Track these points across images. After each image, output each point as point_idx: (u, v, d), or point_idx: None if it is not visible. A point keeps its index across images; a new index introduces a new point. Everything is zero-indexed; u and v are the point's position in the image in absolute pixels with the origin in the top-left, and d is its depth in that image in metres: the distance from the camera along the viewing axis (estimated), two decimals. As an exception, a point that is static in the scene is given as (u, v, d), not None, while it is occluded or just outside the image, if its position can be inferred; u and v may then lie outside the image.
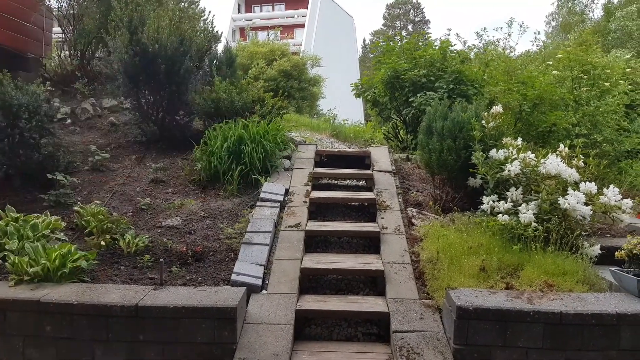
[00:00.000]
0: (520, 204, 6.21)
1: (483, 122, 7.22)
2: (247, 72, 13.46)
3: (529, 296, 5.02)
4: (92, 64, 12.16)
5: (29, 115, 7.80)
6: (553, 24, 36.67)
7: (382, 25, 71.83)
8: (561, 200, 6.00)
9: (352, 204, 7.89)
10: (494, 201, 6.53)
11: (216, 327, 4.85)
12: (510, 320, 4.74)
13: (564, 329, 4.73)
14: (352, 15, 52.26)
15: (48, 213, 6.67)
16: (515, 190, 6.40)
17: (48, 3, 11.96)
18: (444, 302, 5.23)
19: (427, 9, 79.28)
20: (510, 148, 6.86)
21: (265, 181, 7.99)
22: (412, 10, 71.84)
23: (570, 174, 6.41)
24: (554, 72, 10.83)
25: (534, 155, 6.77)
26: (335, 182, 8.74)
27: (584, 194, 6.14)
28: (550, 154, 6.83)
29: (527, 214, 6.01)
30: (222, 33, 11.41)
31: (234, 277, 5.74)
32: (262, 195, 7.61)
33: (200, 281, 5.75)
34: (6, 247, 5.76)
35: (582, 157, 6.81)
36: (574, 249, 5.85)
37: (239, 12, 47.82)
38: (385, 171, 8.63)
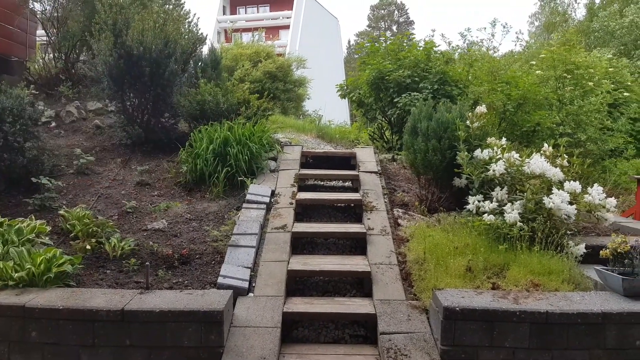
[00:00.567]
0: (506, 204, 6.24)
1: (467, 122, 7.26)
2: (233, 74, 13.43)
3: (515, 296, 5.05)
4: (77, 66, 12.10)
5: (13, 118, 7.73)
6: (536, 23, 36.96)
7: (367, 26, 71.99)
8: (546, 199, 6.04)
9: (339, 205, 7.90)
10: (479, 201, 6.56)
11: (203, 331, 4.83)
12: (496, 320, 4.76)
13: (550, 328, 4.76)
14: (337, 17, 52.45)
15: (33, 217, 6.60)
16: (500, 190, 6.44)
17: (32, 6, 11.89)
18: (431, 303, 5.24)
19: (411, 9, 79.89)
20: (495, 148, 6.89)
21: (251, 183, 7.98)
22: (396, 11, 72.01)
23: (555, 173, 6.44)
24: (537, 71, 10.93)
25: (518, 155, 6.81)
26: (322, 183, 8.75)
27: (568, 193, 6.18)
28: (534, 153, 6.87)
29: (512, 213, 6.04)
30: (207, 35, 11.39)
31: (220, 280, 5.72)
32: (248, 197, 7.59)
33: (186, 284, 5.72)
34: (-10, 252, 5.70)
35: (566, 157, 6.85)
36: (559, 248, 5.89)
37: (224, 13, 47.81)
38: (371, 172, 8.64)
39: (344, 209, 7.89)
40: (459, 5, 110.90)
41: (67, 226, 6.64)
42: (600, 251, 5.48)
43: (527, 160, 6.68)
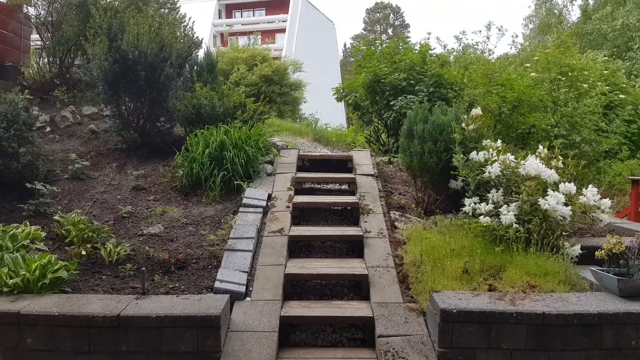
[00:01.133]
0: (501, 206, 6.25)
1: (463, 124, 7.27)
2: (228, 77, 13.43)
3: (511, 297, 5.05)
4: (72, 71, 12.04)
5: (7, 124, 7.70)
6: (531, 26, 36.99)
7: (363, 29, 72.15)
8: (541, 201, 6.05)
9: (335, 208, 7.90)
10: (475, 203, 6.56)
11: (200, 336, 4.81)
12: (493, 322, 4.76)
13: (546, 329, 4.76)
14: (333, 20, 52.49)
15: (27, 223, 6.57)
16: (496, 192, 6.44)
17: (26, 10, 11.86)
18: (428, 305, 5.24)
19: (406, 13, 79.87)
20: (490, 150, 6.90)
21: (248, 187, 7.97)
22: (392, 15, 72.19)
23: (550, 174, 6.45)
24: (532, 74, 10.95)
25: (513, 156, 6.81)
26: (318, 186, 8.75)
27: (563, 194, 6.18)
28: (529, 155, 6.89)
29: (508, 215, 6.05)
30: (202, 39, 11.36)
31: (217, 284, 5.70)
32: (244, 201, 7.58)
33: (183, 289, 5.71)
34: (-15, 258, 5.67)
35: (561, 158, 6.86)
36: (555, 249, 5.89)
37: (220, 17, 47.78)
38: (367, 175, 8.64)
39: (341, 212, 7.88)
40: (454, 8, 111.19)
41: (62, 232, 6.62)
42: (596, 252, 5.48)
43: (522, 162, 6.70)
